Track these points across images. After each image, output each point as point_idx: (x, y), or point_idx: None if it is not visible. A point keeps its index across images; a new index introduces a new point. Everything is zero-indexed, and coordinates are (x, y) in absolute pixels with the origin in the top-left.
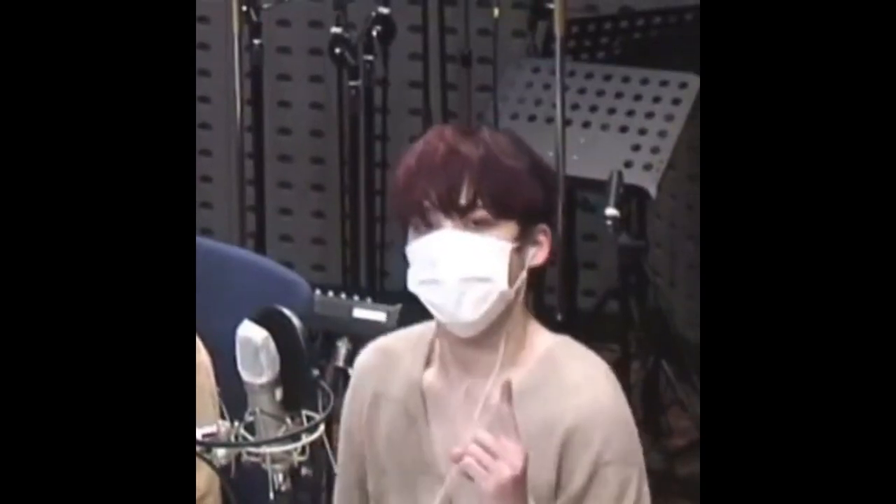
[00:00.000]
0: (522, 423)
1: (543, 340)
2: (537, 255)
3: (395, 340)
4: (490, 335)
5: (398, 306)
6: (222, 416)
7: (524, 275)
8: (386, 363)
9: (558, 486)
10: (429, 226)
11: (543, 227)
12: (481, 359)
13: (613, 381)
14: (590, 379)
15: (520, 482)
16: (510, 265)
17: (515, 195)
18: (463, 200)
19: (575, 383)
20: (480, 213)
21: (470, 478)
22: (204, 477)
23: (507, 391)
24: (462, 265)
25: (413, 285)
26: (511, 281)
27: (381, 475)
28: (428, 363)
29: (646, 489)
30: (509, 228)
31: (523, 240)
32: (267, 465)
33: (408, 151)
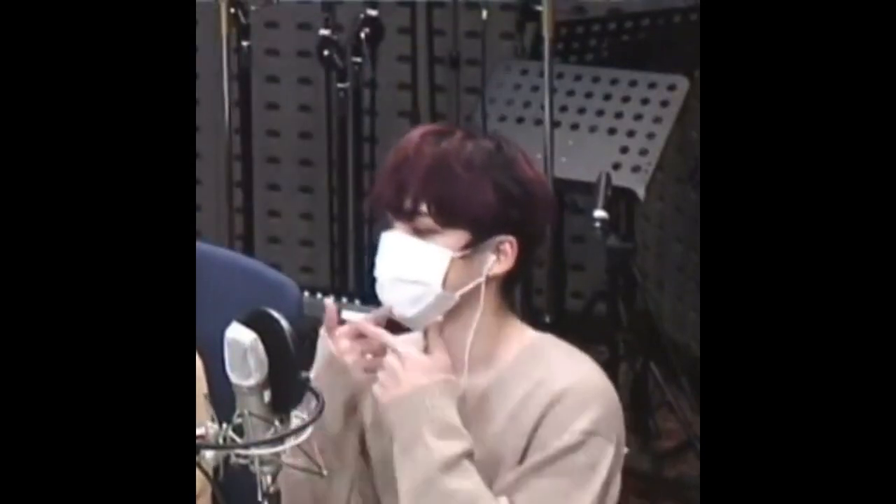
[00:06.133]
0: (504, 401)
1: (526, 336)
2: (497, 264)
3: None
4: (454, 331)
5: None
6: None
7: (480, 281)
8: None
9: (527, 449)
10: (389, 224)
11: (509, 238)
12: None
13: (601, 370)
14: (577, 361)
15: (414, 397)
16: (449, 272)
17: (462, 205)
18: (407, 206)
19: (562, 362)
20: (425, 221)
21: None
22: (198, 479)
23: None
24: (394, 266)
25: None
26: (452, 287)
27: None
28: None
29: (618, 474)
30: (457, 237)
31: (475, 248)
32: (255, 467)
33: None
